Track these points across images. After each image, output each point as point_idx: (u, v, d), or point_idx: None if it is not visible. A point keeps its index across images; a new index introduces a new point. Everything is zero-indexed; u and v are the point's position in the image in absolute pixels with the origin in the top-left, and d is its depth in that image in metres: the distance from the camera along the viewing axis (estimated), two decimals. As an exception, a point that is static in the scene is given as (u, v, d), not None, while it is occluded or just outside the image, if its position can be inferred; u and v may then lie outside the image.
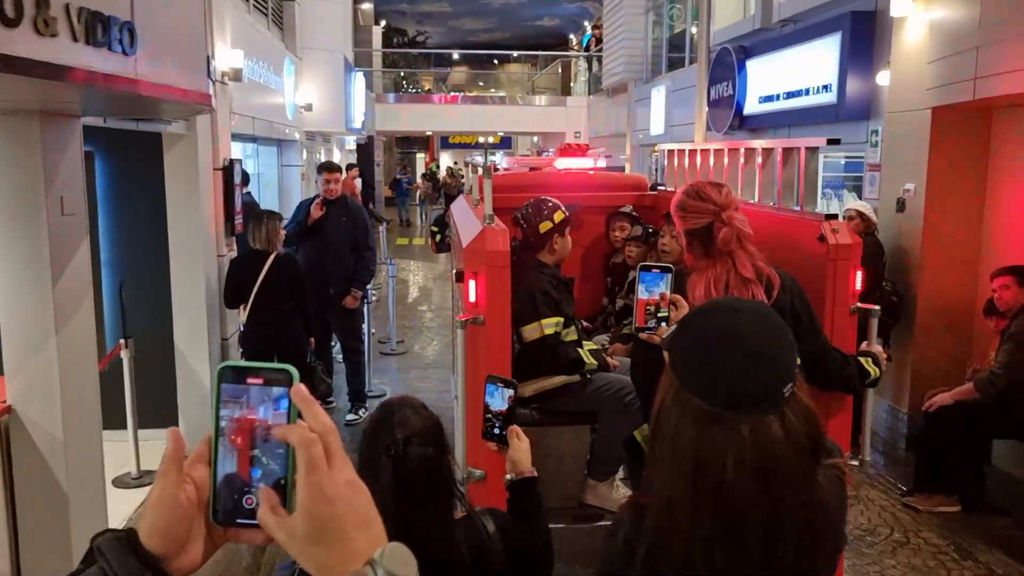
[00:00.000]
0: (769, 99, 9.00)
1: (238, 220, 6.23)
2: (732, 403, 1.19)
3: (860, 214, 6.20)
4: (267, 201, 9.25)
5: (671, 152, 5.03)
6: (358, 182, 18.04)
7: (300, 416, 0.78)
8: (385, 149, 28.77)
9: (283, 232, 5.93)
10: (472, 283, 2.69)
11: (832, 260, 2.81)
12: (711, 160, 4.17)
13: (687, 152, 4.62)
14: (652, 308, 2.16)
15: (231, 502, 0.79)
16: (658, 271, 2.21)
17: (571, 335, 3.49)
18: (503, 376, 2.19)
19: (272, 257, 5.58)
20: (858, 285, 2.88)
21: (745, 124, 9.64)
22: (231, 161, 6.30)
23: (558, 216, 3.56)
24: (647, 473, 1.31)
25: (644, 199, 4.71)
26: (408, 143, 36.14)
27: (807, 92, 8.06)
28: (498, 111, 22.42)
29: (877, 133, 7.02)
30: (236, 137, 7.64)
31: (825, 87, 7.69)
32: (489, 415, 2.11)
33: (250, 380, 0.79)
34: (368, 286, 7.61)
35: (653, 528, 1.30)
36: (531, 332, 3.28)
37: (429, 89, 28.74)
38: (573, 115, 20.89)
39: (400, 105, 22.10)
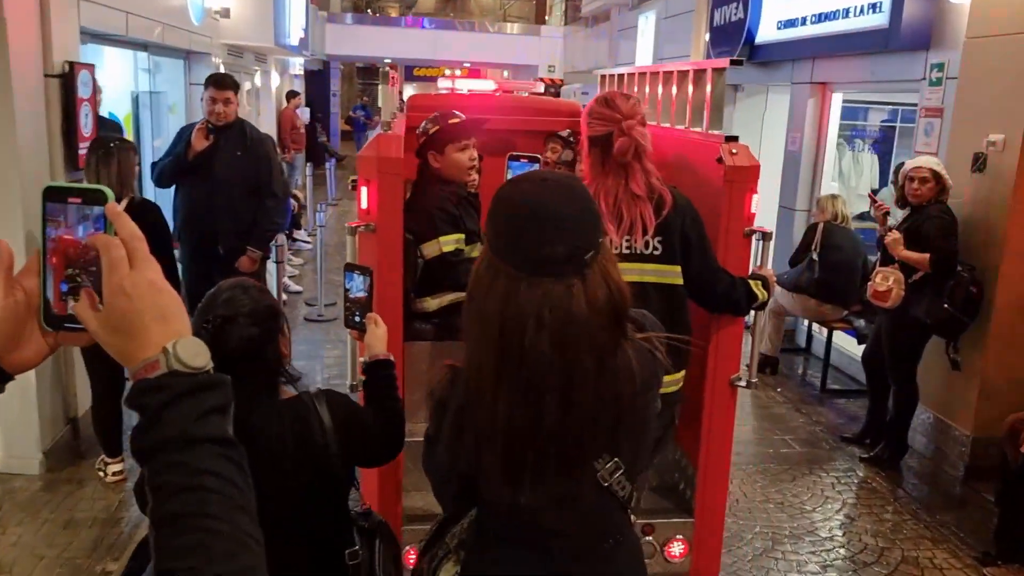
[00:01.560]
0: (791, 24, 7.32)
1: (83, 150, 4.48)
2: (535, 267, 1.30)
3: (936, 175, 4.63)
4: (172, 128, 7.40)
5: (604, 77, 4.65)
6: (303, 113, 16.13)
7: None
8: (344, 79, 26.58)
9: (137, 168, 4.24)
10: (364, 190, 2.61)
11: (728, 182, 2.76)
12: (647, 87, 3.80)
13: (624, 77, 4.30)
14: None
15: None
16: (527, 160, 2.24)
17: (475, 251, 3.21)
18: (360, 265, 2.21)
19: (124, 203, 3.90)
20: (753, 208, 2.82)
21: (757, 56, 7.97)
22: (72, 66, 4.52)
23: (432, 129, 3.21)
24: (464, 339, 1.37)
25: (575, 123, 4.27)
26: (371, 74, 33.79)
27: (846, 13, 6.39)
28: (466, 39, 20.41)
29: (941, 68, 5.42)
30: (100, 38, 5.80)
31: (873, 6, 6.02)
32: (348, 303, 2.19)
33: (70, 200, 0.88)
34: (277, 243, 5.92)
35: (463, 390, 1.41)
36: (430, 249, 3.09)
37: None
38: (547, 47, 18.97)
39: (359, 28, 19.94)
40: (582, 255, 1.30)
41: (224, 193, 4.95)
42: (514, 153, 2.37)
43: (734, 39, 8.16)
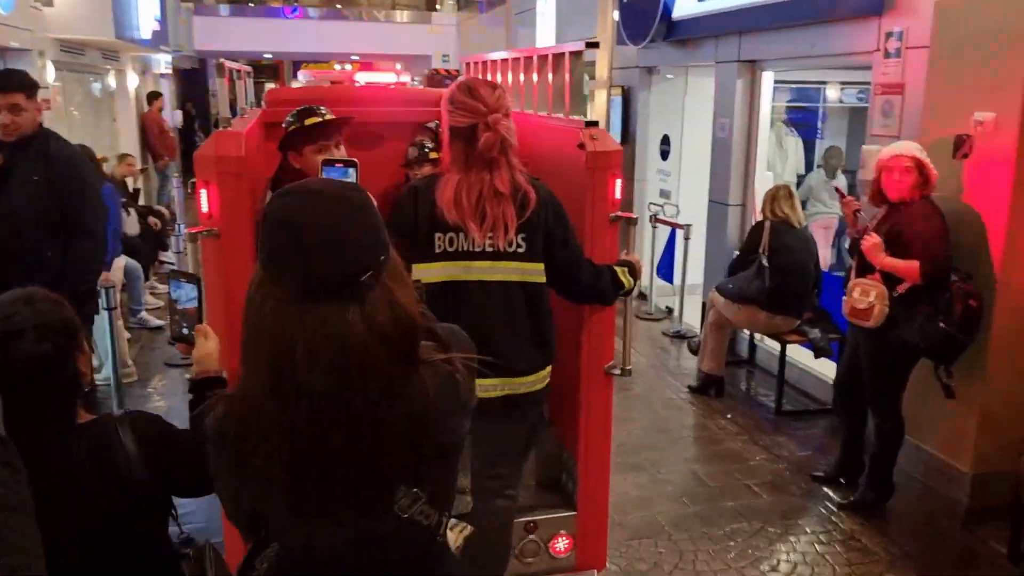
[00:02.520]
0: (714, -5, 6.49)
1: None
2: (305, 292, 1.21)
3: (919, 164, 3.82)
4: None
5: (468, 64, 4.49)
6: (172, 117, 14.56)
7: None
8: (220, 74, 24.63)
9: None
10: (204, 192, 2.43)
11: (591, 168, 2.73)
12: (509, 74, 3.73)
13: (487, 64, 4.16)
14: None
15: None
16: (342, 165, 2.05)
17: None
18: (187, 272, 2.11)
19: None
20: (617, 193, 2.79)
21: (675, 33, 7.12)
22: None
23: (291, 126, 2.99)
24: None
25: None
26: (256, 71, 31.80)
27: (781, -21, 5.58)
28: (354, 30, 19.05)
29: (899, 37, 4.64)
30: None
31: (813, -32, 5.22)
32: (176, 314, 2.04)
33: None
34: (106, 286, 4.69)
35: (238, 419, 1.31)
36: None
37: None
38: (440, 35, 17.83)
39: (233, 20, 18.30)
40: (358, 277, 1.22)
41: (16, 231, 3.72)
42: (328, 158, 2.21)
43: (647, 16, 7.29)
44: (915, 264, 3.75)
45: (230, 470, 1.39)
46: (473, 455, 2.74)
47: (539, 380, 2.62)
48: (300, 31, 19.02)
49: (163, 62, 14.41)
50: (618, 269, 2.72)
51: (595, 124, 2.83)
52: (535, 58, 3.36)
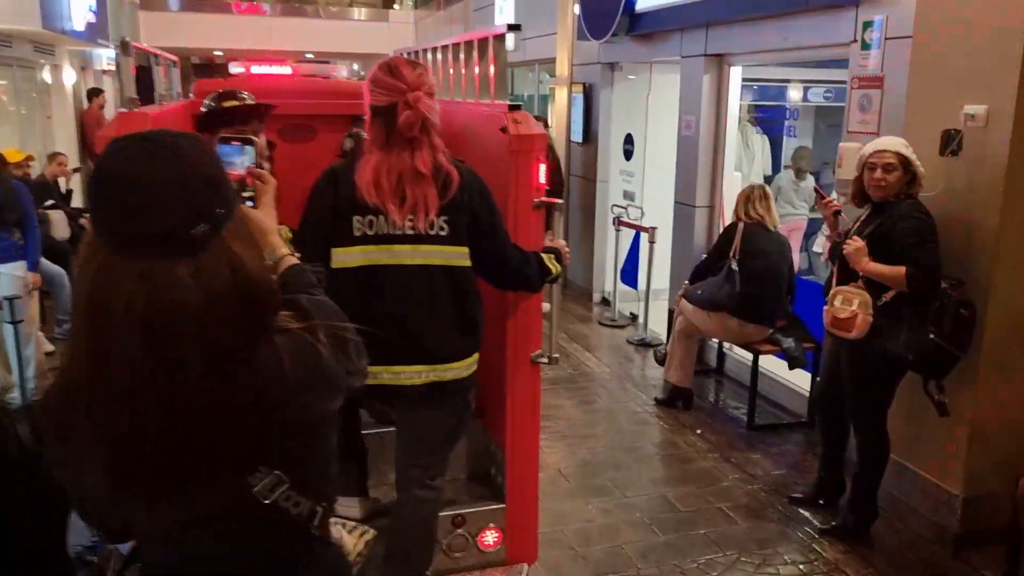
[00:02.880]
0: (679, -14, 6.17)
1: None
2: (125, 245, 1.13)
3: (904, 160, 3.51)
4: None
5: (401, 55, 3.83)
6: (111, 113, 13.90)
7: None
8: (184, 76, 23.88)
9: None
10: None
11: (514, 152, 2.69)
12: (439, 61, 3.67)
13: (418, 53, 4.14)
14: (234, 184, 1.56)
15: None
16: (239, 143, 1.90)
17: None
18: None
19: None
20: (541, 178, 2.75)
21: (639, 26, 6.78)
22: None
23: (211, 108, 3.01)
24: None
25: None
26: (209, 69, 30.99)
27: (750, -34, 5.27)
28: (308, 28, 18.50)
29: (877, 26, 4.34)
30: None
31: (785, -46, 4.92)
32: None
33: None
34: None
35: (61, 389, 1.22)
36: None
37: None
38: (397, 33, 17.36)
39: (181, 16, 17.64)
40: (186, 230, 1.12)
41: None
42: (225, 135, 1.97)
43: (609, 9, 6.94)
44: (901, 270, 3.44)
45: (56, 452, 1.26)
46: (397, 444, 2.69)
47: (466, 367, 2.56)
48: (253, 28, 18.42)
49: (105, 58, 13.76)
50: (544, 256, 2.67)
51: (518, 108, 2.77)
52: (462, 44, 3.33)
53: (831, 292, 3.70)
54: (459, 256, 2.49)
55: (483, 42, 3.10)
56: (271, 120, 4.39)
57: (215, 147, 1.83)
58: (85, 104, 11.58)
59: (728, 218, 6.34)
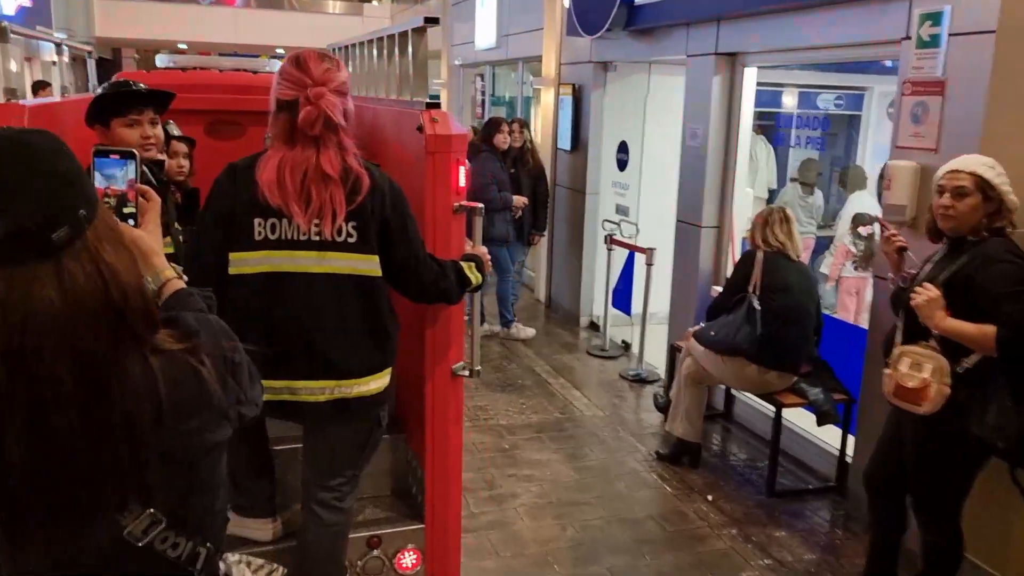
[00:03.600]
0: (687, -27, 5.38)
1: None
2: None
3: (980, 183, 2.76)
4: None
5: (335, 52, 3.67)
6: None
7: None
8: (140, 67, 22.88)
9: None
10: None
11: (431, 152, 2.56)
12: (364, 56, 3.58)
13: (347, 49, 3.95)
14: (112, 201, 1.65)
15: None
16: (118, 156, 1.70)
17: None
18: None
19: None
20: (461, 181, 2.63)
21: (637, 20, 5.99)
22: None
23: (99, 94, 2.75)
24: None
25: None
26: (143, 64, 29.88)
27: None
28: (277, 20, 17.57)
29: (937, 20, 3.58)
30: None
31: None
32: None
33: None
34: None
35: None
36: None
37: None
38: (372, 28, 16.51)
39: (140, 5, 16.61)
40: (44, 233, 1.06)
41: None
42: (101, 146, 1.67)
43: (604, 1, 6.15)
44: (990, 330, 2.67)
45: None
46: (303, 463, 2.56)
47: (374, 383, 2.42)
48: (220, 20, 17.46)
49: (50, 48, 12.75)
50: (464, 264, 2.55)
51: (436, 106, 2.67)
52: (384, 39, 3.23)
53: (896, 352, 2.93)
54: (368, 265, 2.33)
55: (404, 36, 2.96)
56: (195, 117, 3.77)
57: (94, 157, 1.67)
58: (30, 97, 10.64)
59: (738, 240, 5.58)
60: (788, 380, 4.34)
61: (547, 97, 7.97)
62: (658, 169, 6.71)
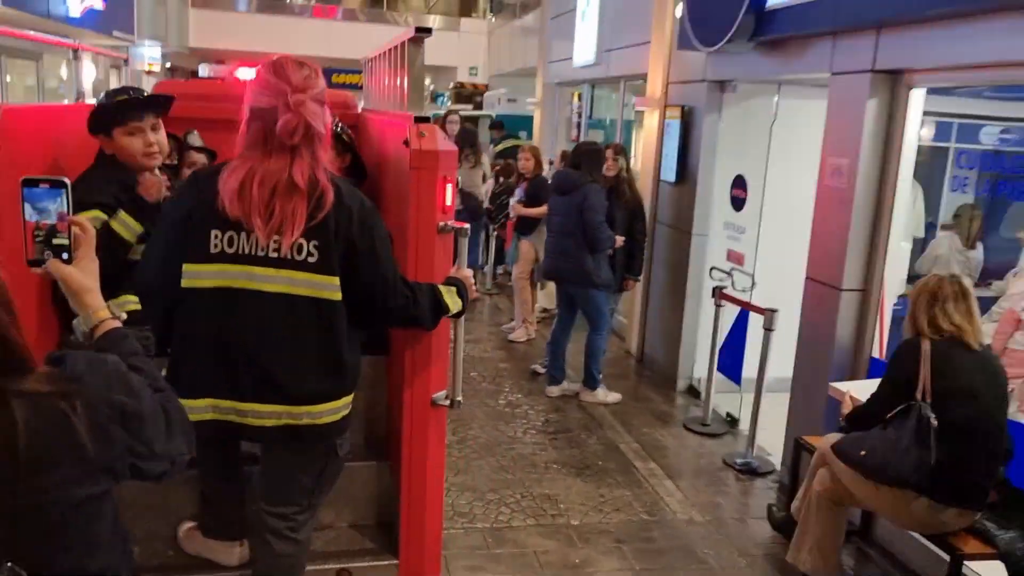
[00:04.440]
0: (839, -31, 4.25)
1: None
2: None
3: None
4: None
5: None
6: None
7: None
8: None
9: None
10: None
11: (415, 168, 2.49)
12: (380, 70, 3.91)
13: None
14: (41, 234, 1.61)
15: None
16: (48, 185, 1.64)
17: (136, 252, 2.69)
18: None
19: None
20: (448, 199, 2.55)
21: (767, 30, 4.88)
22: None
23: (101, 104, 2.77)
24: None
25: (347, 118, 3.80)
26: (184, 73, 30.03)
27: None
28: (374, 34, 17.09)
29: None
30: None
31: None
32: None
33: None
34: None
35: None
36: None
37: None
38: (469, 44, 15.83)
39: (240, 16, 16.41)
40: None
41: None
42: (29, 177, 1.61)
43: (728, 7, 5.06)
44: None
45: None
46: (257, 488, 2.44)
47: (329, 412, 2.27)
48: (317, 32, 17.11)
49: (147, 57, 12.52)
50: (443, 289, 2.43)
51: (426, 120, 2.59)
52: (389, 51, 3.37)
53: None
54: (330, 288, 2.20)
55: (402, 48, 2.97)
56: (218, 127, 3.52)
57: (22, 188, 1.60)
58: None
59: (889, 308, 4.39)
60: (969, 519, 3.14)
61: (651, 120, 6.91)
62: (784, 211, 5.53)
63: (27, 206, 1.61)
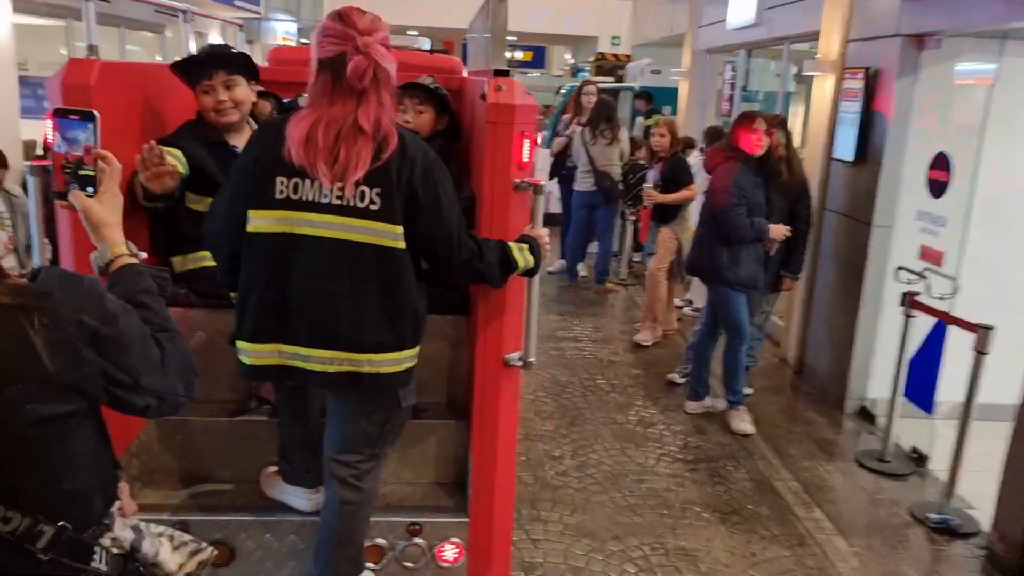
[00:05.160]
0: None
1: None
2: None
3: None
4: None
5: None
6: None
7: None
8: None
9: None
10: (48, 123, 2.07)
11: (491, 123, 2.44)
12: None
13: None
14: (70, 166, 1.66)
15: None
16: (78, 117, 1.69)
17: (201, 204, 2.78)
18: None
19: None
20: (525, 156, 2.49)
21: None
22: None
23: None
24: None
25: (453, 82, 3.65)
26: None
27: None
28: (516, 5, 16.37)
29: None
30: None
31: None
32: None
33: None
34: None
35: None
36: (194, 202, 2.76)
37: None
38: (611, 12, 14.77)
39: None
40: None
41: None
42: (61, 108, 1.69)
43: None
44: None
45: None
46: (325, 435, 2.49)
47: (391, 362, 2.28)
48: (449, 4, 16.57)
49: (281, 32, 12.31)
50: (514, 246, 2.40)
51: (506, 73, 2.49)
52: (479, 10, 3.25)
53: None
54: (391, 236, 2.19)
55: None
56: None
57: (54, 118, 1.67)
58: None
59: None
60: None
61: (823, 87, 5.79)
62: (1003, 201, 4.36)
63: (57, 137, 1.65)
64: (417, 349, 2.35)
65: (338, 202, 2.15)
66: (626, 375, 5.79)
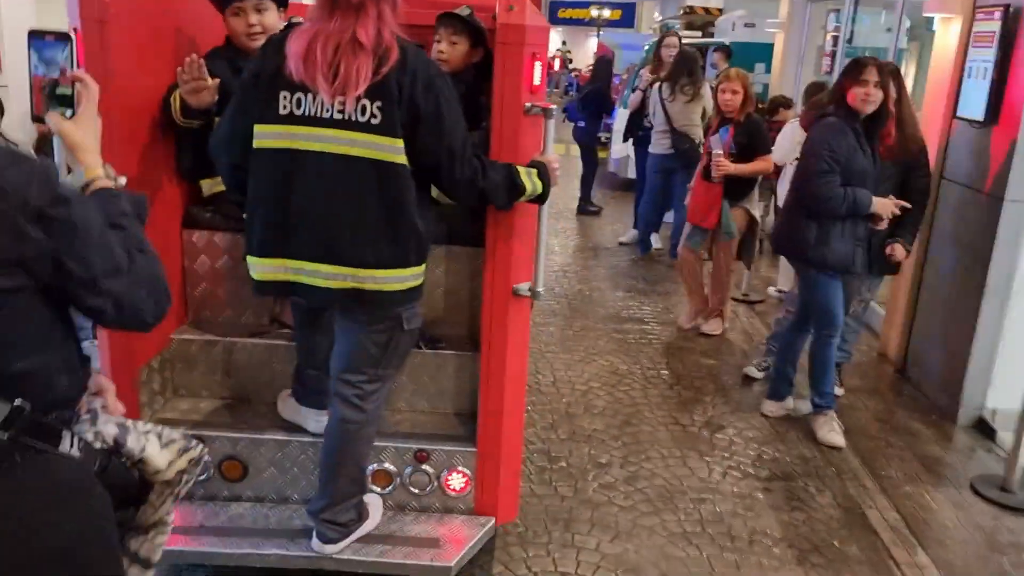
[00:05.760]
0: None
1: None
2: None
3: None
4: None
5: None
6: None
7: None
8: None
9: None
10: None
11: (501, 43, 2.40)
12: None
13: None
14: (47, 88, 1.64)
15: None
16: (54, 38, 1.66)
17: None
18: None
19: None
20: (536, 78, 2.45)
21: None
22: None
23: None
24: None
25: (491, 21, 3.39)
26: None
27: None
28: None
29: None
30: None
31: None
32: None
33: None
34: None
35: None
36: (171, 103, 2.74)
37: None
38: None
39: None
40: None
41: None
42: (37, 29, 1.66)
43: None
44: None
45: None
46: (332, 354, 2.54)
47: (395, 279, 2.31)
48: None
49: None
50: (522, 170, 2.39)
51: None
52: None
53: None
54: (392, 150, 2.20)
55: None
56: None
57: (28, 39, 1.64)
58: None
59: None
60: None
61: (946, 35, 4.84)
62: None
63: (34, 58, 1.64)
64: (422, 268, 2.36)
65: (339, 116, 2.16)
66: (695, 365, 5.04)
